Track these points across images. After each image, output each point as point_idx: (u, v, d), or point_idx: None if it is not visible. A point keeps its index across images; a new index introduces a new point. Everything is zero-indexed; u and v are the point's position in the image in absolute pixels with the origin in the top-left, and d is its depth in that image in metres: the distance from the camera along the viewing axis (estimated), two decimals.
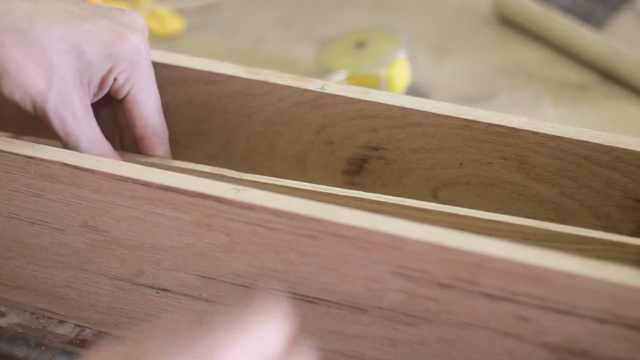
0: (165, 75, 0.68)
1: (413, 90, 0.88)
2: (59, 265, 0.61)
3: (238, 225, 0.55)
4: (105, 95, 0.63)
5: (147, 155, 0.65)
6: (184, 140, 0.70)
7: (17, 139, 0.60)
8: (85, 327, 0.64)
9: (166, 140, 0.65)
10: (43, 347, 0.61)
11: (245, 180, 0.61)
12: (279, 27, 1.02)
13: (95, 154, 0.61)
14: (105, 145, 0.62)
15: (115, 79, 0.62)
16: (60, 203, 0.58)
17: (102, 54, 0.60)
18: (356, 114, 0.64)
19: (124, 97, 0.63)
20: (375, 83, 0.85)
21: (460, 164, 0.64)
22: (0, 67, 0.58)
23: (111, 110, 0.66)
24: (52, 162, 0.57)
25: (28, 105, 0.59)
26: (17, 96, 0.59)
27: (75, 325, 0.64)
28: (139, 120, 0.63)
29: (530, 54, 0.97)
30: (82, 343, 0.63)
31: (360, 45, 0.90)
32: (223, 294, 0.58)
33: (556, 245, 0.56)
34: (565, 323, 0.50)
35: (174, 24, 1.00)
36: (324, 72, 0.88)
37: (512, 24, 1.01)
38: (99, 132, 0.62)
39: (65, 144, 0.61)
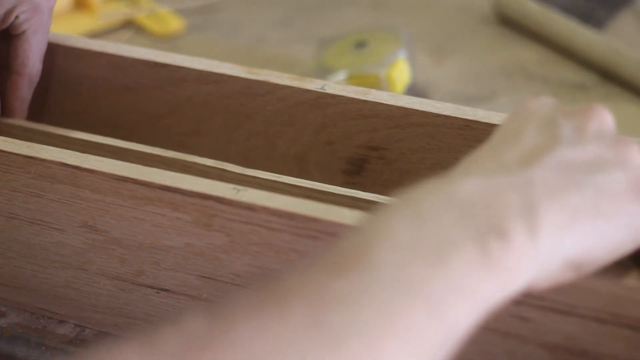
0: (165, 75, 0.68)
1: (413, 90, 0.88)
2: (59, 265, 0.61)
3: (238, 225, 0.54)
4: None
5: (10, 93, 0.68)
6: (184, 140, 0.70)
7: (17, 138, 0.60)
8: (85, 327, 0.64)
9: (32, 88, 0.70)
10: (43, 347, 0.61)
11: (248, 175, 0.61)
12: (279, 27, 1.02)
13: None
14: None
15: (16, 17, 0.67)
16: (60, 203, 0.58)
17: None
18: (356, 114, 0.64)
19: (17, 34, 0.67)
20: (375, 83, 0.85)
21: None
22: None
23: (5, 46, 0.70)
24: (52, 162, 0.57)
25: None
26: None
27: (75, 325, 0.64)
28: (22, 57, 0.68)
29: (530, 54, 0.97)
30: (82, 343, 0.63)
31: (360, 45, 0.90)
32: (223, 294, 0.58)
33: None
34: (565, 323, 0.50)
35: (174, 24, 1.00)
36: (324, 72, 0.88)
37: (512, 24, 1.01)
38: None
39: None
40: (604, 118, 0.50)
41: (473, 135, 0.62)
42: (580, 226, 0.45)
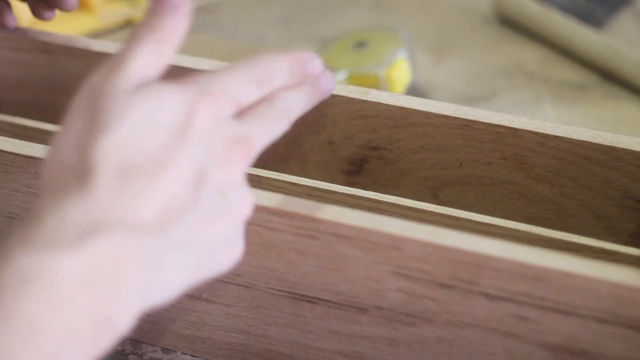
0: (165, 75, 0.67)
1: (413, 90, 0.88)
2: None
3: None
4: None
5: None
6: None
7: (17, 138, 0.60)
8: None
9: None
10: None
11: (248, 174, 0.61)
12: (279, 27, 1.02)
13: None
14: None
15: None
16: None
17: None
18: (356, 114, 0.64)
19: None
20: (375, 83, 0.85)
21: (460, 164, 0.64)
22: None
23: None
24: None
25: None
26: None
27: None
28: None
29: (530, 54, 0.97)
30: None
31: (360, 45, 0.90)
32: (223, 294, 0.58)
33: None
34: (565, 323, 0.50)
35: None
36: None
37: (512, 24, 1.01)
38: None
39: None
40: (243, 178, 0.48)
41: (473, 135, 0.62)
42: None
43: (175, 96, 0.46)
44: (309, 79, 0.53)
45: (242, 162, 0.47)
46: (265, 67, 0.50)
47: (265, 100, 0.50)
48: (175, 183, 0.44)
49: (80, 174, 0.43)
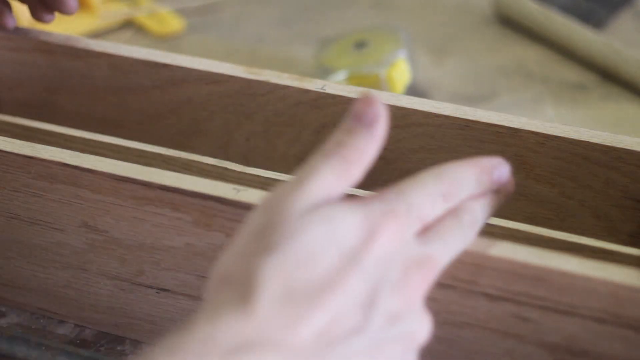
0: (165, 75, 0.68)
1: (413, 90, 0.88)
2: (59, 265, 0.61)
3: (238, 225, 0.54)
4: None
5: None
6: (184, 140, 0.70)
7: (17, 138, 0.60)
8: (85, 327, 0.64)
9: None
10: (43, 347, 0.61)
11: (248, 174, 0.61)
12: (279, 27, 1.02)
13: None
14: None
15: None
16: (60, 203, 0.58)
17: None
18: None
19: None
20: (375, 83, 0.85)
21: None
22: None
23: None
24: (52, 162, 0.57)
25: None
26: None
27: (75, 325, 0.64)
28: None
29: (530, 54, 0.97)
30: (82, 343, 0.63)
31: (360, 45, 0.90)
32: None
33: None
34: (565, 323, 0.50)
35: (174, 24, 1.00)
36: (324, 72, 0.88)
37: (512, 24, 1.01)
38: None
39: None
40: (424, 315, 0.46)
41: (473, 135, 0.62)
42: None
43: (354, 218, 0.44)
44: (493, 185, 0.50)
45: (422, 286, 0.45)
46: (452, 179, 0.48)
47: (450, 214, 0.47)
48: (339, 308, 0.42)
49: (243, 290, 0.42)
